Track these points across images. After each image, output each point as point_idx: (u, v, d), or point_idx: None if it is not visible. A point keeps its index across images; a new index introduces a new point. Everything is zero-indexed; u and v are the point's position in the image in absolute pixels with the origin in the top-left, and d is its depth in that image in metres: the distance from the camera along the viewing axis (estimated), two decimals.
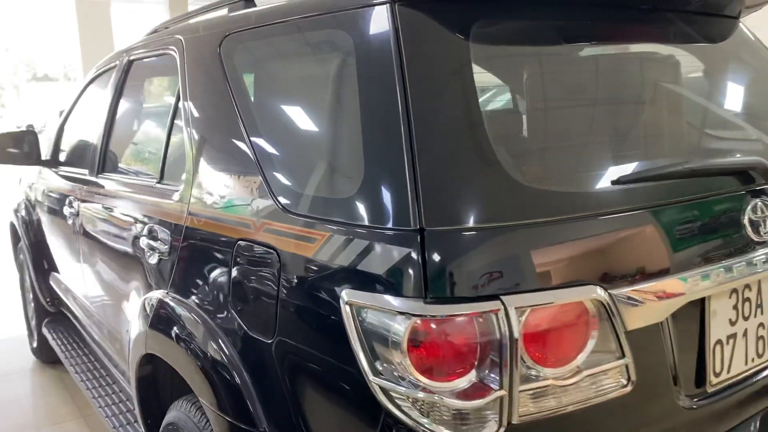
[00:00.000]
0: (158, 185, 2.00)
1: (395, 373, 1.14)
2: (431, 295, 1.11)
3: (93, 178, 2.59)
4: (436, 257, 1.12)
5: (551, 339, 1.17)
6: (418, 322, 1.11)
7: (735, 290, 1.48)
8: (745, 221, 1.44)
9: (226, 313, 1.53)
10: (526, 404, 1.15)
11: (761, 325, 1.55)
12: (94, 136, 2.67)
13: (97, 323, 2.74)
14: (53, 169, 3.24)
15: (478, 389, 1.12)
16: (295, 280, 1.33)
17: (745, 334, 1.51)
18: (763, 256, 1.46)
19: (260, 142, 1.54)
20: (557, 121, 1.43)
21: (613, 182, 1.30)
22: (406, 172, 1.16)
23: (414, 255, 1.12)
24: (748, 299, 1.51)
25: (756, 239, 1.45)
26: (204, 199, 1.68)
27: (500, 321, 1.11)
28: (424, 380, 1.12)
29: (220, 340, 1.53)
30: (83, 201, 2.65)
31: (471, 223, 1.15)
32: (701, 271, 1.33)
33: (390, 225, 1.16)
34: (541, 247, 1.18)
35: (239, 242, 1.50)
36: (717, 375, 1.46)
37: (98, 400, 2.74)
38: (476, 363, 1.12)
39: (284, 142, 1.52)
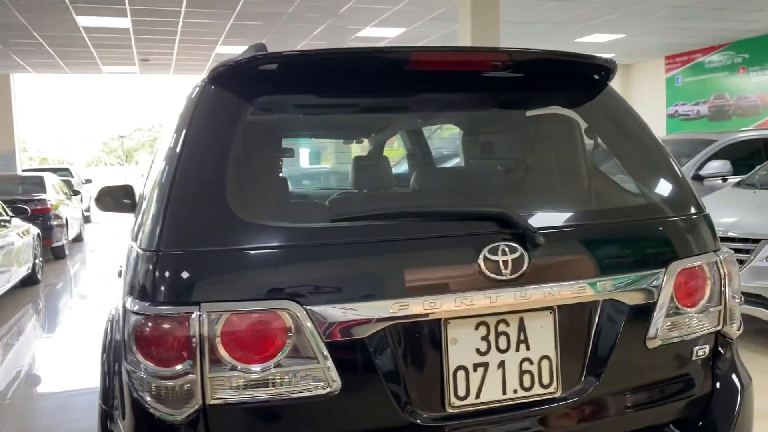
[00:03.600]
0: None
1: (130, 357, 1.54)
2: (155, 300, 1.50)
3: None
4: (164, 271, 1.51)
5: (247, 340, 1.49)
6: (142, 319, 1.50)
7: (484, 323, 1.65)
8: (481, 261, 1.62)
9: None
10: (220, 390, 1.48)
11: (527, 360, 1.69)
12: None
13: None
14: None
15: (181, 373, 1.48)
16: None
17: (501, 365, 1.67)
18: (509, 295, 1.63)
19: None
20: (282, 174, 1.76)
21: (333, 219, 1.60)
22: (163, 207, 1.58)
23: (151, 269, 1.53)
24: (505, 333, 1.67)
25: (497, 278, 1.63)
26: None
27: (199, 322, 1.47)
28: (146, 363, 1.50)
29: None
30: None
31: (193, 246, 1.53)
32: (404, 301, 1.56)
33: (145, 247, 1.58)
34: (247, 267, 1.52)
35: None
36: (461, 398, 1.63)
37: None
38: (183, 353, 1.48)
39: None
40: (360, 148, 2.03)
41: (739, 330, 1.99)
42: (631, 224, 1.85)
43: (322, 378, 1.52)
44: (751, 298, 4.51)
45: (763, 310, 4.54)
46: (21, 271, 7.42)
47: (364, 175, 1.86)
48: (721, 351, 1.96)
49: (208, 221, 1.56)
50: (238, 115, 1.71)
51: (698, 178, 7.08)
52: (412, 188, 2.11)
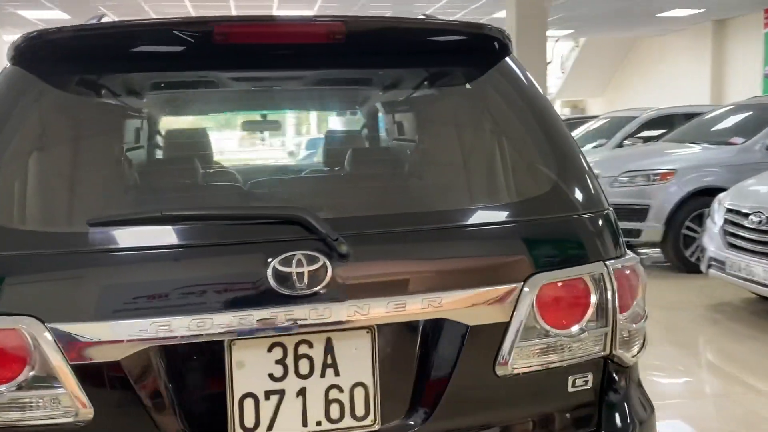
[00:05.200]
0: None
1: None
2: None
3: None
4: None
5: None
6: None
7: (280, 345, 1.41)
8: (269, 273, 1.37)
9: None
10: None
11: (335, 387, 1.44)
12: None
13: None
14: None
15: None
16: None
17: (302, 393, 1.42)
18: (302, 312, 1.38)
19: None
20: (35, 175, 1.53)
21: (89, 224, 1.38)
22: None
23: None
24: (307, 357, 1.42)
25: (289, 293, 1.38)
26: None
27: None
28: None
29: None
30: None
31: None
32: (165, 320, 1.33)
33: None
34: None
35: None
36: (248, 430, 1.41)
37: None
38: None
39: None
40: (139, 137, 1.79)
41: (638, 354, 1.64)
42: (477, 230, 1.54)
43: (69, 405, 1.33)
44: None
45: None
46: None
47: (141, 171, 1.63)
48: (613, 380, 1.62)
49: None
50: None
51: None
52: (200, 185, 1.84)
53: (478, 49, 1.74)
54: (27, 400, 1.32)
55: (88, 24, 1.52)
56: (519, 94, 1.71)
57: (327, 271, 1.39)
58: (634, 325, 1.60)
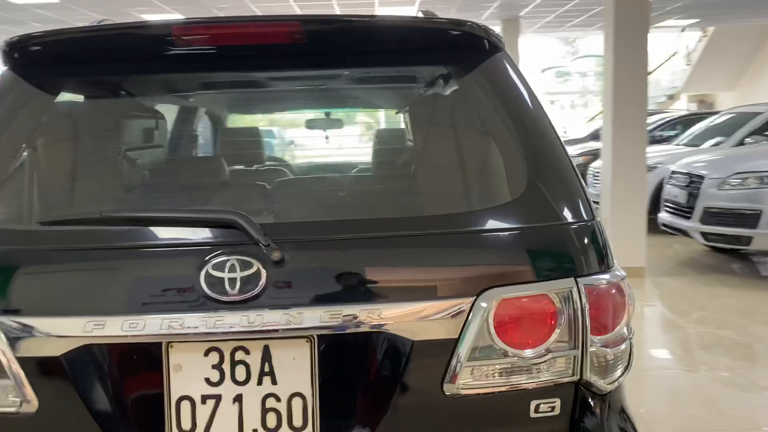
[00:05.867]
0: None
1: None
2: None
3: None
4: None
5: None
6: None
7: (216, 350, 1.40)
8: (201, 277, 1.36)
9: None
10: None
11: (272, 396, 1.40)
12: None
13: None
14: None
15: None
16: None
17: (238, 399, 1.40)
18: (233, 319, 1.36)
19: None
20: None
21: (39, 222, 1.43)
22: None
23: None
24: (244, 363, 1.40)
25: (220, 298, 1.36)
26: None
27: None
28: None
29: None
30: None
31: None
32: (100, 319, 1.35)
33: None
34: None
35: None
36: None
37: None
38: None
39: None
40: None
41: (619, 379, 1.48)
42: (425, 239, 1.44)
43: (16, 395, 1.39)
44: None
45: None
46: None
47: (94, 169, 1.66)
48: (587, 407, 1.47)
49: None
50: None
51: None
52: (146, 184, 1.83)
53: (460, 49, 1.64)
54: None
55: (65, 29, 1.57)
56: (498, 95, 1.59)
57: (261, 278, 1.36)
58: (609, 350, 1.44)
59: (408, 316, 1.37)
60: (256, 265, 1.36)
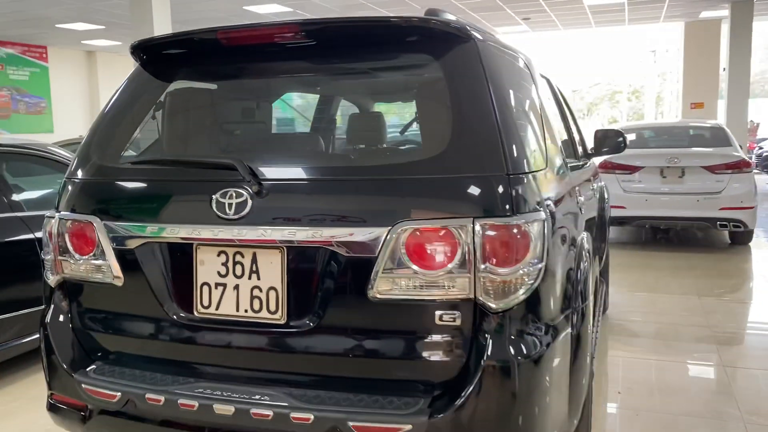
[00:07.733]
0: None
1: None
2: None
3: None
4: None
5: (77, 241, 2.24)
6: None
7: (224, 252, 2.05)
8: (213, 202, 2.01)
9: None
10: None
11: (257, 287, 2.02)
12: None
13: None
14: None
15: None
16: None
17: (236, 288, 2.04)
18: (229, 232, 1.99)
19: None
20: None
21: (131, 162, 2.21)
22: None
23: None
24: (240, 263, 2.03)
25: (223, 216, 2.00)
26: None
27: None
28: None
29: None
30: None
31: None
32: (156, 225, 2.08)
33: None
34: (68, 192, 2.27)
35: None
36: (205, 307, 2.08)
37: None
38: None
39: None
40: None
41: (511, 305, 1.82)
42: (361, 183, 1.92)
43: (112, 272, 2.18)
44: None
45: None
46: None
47: (175, 136, 2.42)
48: (484, 321, 1.84)
49: None
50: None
51: None
52: (189, 143, 2.52)
53: (424, 41, 2.07)
54: (89, 267, 2.21)
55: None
56: (447, 76, 2.00)
57: (248, 204, 1.98)
58: (499, 278, 1.79)
59: (342, 236, 1.88)
60: (245, 195, 1.98)
